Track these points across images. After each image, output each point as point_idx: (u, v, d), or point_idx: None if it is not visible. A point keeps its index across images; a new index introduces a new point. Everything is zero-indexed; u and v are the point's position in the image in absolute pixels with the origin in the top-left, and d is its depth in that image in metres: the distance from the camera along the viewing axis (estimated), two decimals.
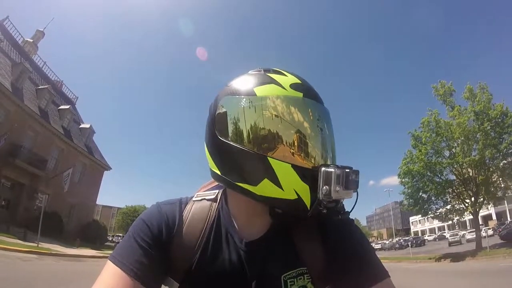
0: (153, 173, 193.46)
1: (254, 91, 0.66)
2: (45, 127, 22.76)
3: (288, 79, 0.68)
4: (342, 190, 0.59)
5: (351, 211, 0.67)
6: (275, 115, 0.63)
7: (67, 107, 27.34)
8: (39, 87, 24.16)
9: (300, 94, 0.66)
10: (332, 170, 0.59)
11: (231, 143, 0.64)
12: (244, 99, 0.65)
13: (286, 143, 0.63)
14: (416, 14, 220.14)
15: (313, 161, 0.64)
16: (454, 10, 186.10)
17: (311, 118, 0.66)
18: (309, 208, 0.62)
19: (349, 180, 0.60)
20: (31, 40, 28.16)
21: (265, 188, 0.62)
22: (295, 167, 0.61)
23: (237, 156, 0.64)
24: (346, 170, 0.60)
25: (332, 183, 0.59)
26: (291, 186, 0.61)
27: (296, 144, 0.63)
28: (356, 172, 0.61)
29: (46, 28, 30.50)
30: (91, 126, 30.83)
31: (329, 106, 0.72)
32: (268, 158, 0.61)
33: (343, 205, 0.65)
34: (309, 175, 0.61)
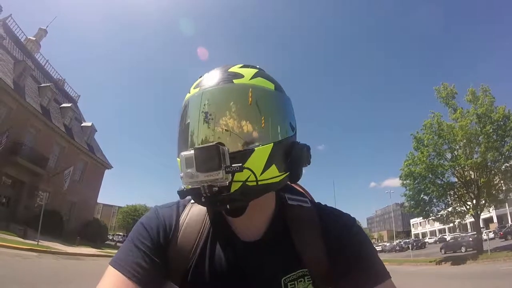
0: (154, 172, 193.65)
1: None
2: (46, 125, 22.79)
3: (195, 83, 0.71)
4: (198, 173, 0.56)
5: (240, 201, 0.60)
6: (179, 120, 0.70)
7: (69, 105, 27.40)
8: (41, 85, 24.18)
9: (189, 94, 0.69)
10: (182, 153, 0.58)
11: None
12: None
13: (179, 141, 0.68)
14: (419, 15, 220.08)
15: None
16: (457, 11, 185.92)
17: (190, 111, 0.67)
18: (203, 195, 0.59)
19: (201, 159, 0.56)
20: (34, 38, 28.18)
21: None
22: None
23: None
24: (193, 150, 0.57)
25: (181, 168, 0.58)
26: None
27: (181, 139, 0.67)
28: (210, 148, 0.56)
29: (48, 26, 30.58)
30: (92, 124, 30.90)
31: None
32: (177, 158, 0.66)
33: (232, 193, 0.59)
34: None
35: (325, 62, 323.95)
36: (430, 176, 21.06)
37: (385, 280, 0.63)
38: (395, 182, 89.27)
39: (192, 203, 0.77)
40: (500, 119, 19.10)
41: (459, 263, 18.50)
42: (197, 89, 0.67)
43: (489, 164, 19.70)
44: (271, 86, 0.70)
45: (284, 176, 0.67)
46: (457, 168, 20.87)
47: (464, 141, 19.88)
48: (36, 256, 12.10)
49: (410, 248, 32.13)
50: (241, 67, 0.70)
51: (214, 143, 0.57)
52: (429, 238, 53.41)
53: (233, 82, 0.66)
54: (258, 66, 0.74)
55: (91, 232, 25.52)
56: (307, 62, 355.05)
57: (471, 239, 24.48)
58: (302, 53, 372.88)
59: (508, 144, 19.20)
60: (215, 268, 0.68)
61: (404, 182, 22.11)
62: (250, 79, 0.67)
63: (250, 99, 0.65)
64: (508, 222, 38.63)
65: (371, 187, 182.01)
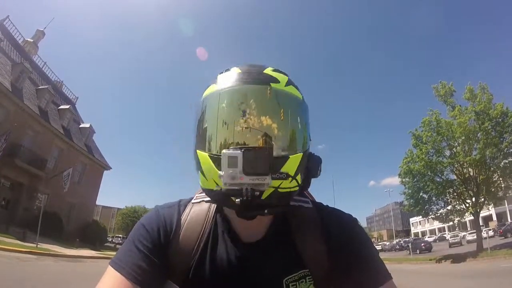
0: (153, 173, 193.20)
1: (203, 95, 0.70)
2: (45, 126, 22.70)
3: (227, 74, 0.69)
4: (243, 175, 0.54)
5: (276, 208, 0.60)
6: (202, 112, 0.67)
7: (67, 107, 27.28)
8: (39, 87, 24.10)
9: (225, 85, 0.66)
10: (225, 151, 0.56)
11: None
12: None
13: (206, 135, 0.64)
14: (417, 14, 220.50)
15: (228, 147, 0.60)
16: (455, 10, 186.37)
17: (229, 105, 0.64)
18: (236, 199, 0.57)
19: (250, 162, 0.54)
20: (31, 40, 28.08)
21: (202, 180, 0.65)
22: (212, 156, 0.61)
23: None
24: (242, 151, 0.54)
25: (223, 166, 0.55)
26: (211, 176, 0.62)
27: (213, 134, 0.63)
28: (261, 152, 0.55)
29: (46, 28, 30.49)
30: (91, 125, 30.75)
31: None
32: (197, 151, 0.65)
33: (268, 199, 0.58)
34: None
35: (324, 62, 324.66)
36: (429, 173, 21.12)
37: (386, 281, 0.63)
38: (395, 180, 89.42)
39: (193, 202, 0.77)
40: (499, 116, 19.19)
41: (459, 261, 18.54)
42: (230, 84, 0.65)
43: (487, 161, 19.77)
44: (300, 96, 0.70)
45: (301, 184, 0.68)
46: (456, 165, 20.95)
47: (463, 138, 19.96)
48: (35, 258, 12.03)
49: (410, 247, 31.81)
50: (273, 70, 0.70)
51: (265, 147, 0.57)
52: (428, 237, 53.46)
53: (270, 85, 0.65)
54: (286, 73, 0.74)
55: (91, 234, 25.40)
56: (306, 62, 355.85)
57: (423, 244, 33.17)
58: (301, 53, 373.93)
59: (506, 140, 19.31)
60: (216, 268, 0.67)
61: (403, 180, 22.17)
62: (285, 86, 0.67)
63: (287, 106, 0.65)
64: (507, 220, 38.66)
65: (370, 186, 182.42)
